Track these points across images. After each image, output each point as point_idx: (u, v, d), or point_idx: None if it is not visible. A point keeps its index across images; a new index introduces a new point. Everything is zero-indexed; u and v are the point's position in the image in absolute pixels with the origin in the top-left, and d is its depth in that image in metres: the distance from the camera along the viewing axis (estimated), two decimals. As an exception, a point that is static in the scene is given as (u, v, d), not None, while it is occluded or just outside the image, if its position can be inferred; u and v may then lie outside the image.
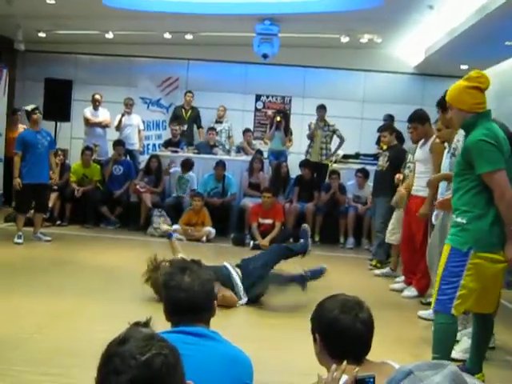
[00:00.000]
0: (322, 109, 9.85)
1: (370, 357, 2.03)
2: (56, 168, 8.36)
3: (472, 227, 3.41)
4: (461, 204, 3.50)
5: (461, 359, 4.03)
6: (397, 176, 6.69)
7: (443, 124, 5.00)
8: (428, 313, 5.03)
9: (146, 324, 1.29)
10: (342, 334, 2.00)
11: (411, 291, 6.06)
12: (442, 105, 4.55)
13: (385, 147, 7.89)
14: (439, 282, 3.50)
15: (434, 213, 5.17)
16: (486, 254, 3.39)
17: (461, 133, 4.24)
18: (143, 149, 11.05)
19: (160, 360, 1.20)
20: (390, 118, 10.05)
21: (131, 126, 10.45)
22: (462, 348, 4.14)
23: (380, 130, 8.46)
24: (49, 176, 7.89)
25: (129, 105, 10.43)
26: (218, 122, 11.14)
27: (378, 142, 10.03)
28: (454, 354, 4.01)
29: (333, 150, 9.99)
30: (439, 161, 5.25)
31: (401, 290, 6.24)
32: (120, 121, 10.26)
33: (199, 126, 11.22)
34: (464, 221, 3.44)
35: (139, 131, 10.69)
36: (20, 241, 7.49)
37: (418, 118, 6.05)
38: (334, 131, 9.87)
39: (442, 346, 3.57)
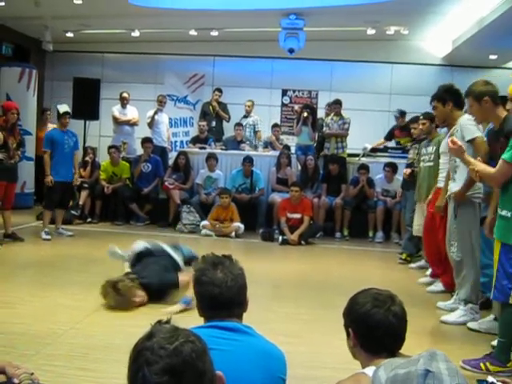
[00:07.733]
0: (337, 104, 9.74)
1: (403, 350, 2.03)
2: (78, 168, 8.67)
3: None
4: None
5: None
6: (404, 171, 6.57)
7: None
8: (444, 304, 5.15)
9: (168, 322, 1.34)
10: (375, 328, 2.00)
11: (437, 286, 5.93)
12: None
13: (416, 133, 7.52)
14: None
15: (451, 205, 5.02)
16: None
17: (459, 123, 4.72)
18: (171, 146, 11.14)
19: (189, 347, 1.24)
20: (401, 113, 9.64)
21: (163, 123, 10.55)
22: None
23: (415, 119, 7.50)
24: (73, 175, 8.12)
25: (163, 102, 10.52)
26: (245, 116, 11.02)
27: (392, 136, 9.85)
28: None
29: (349, 144, 9.79)
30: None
31: (428, 284, 6.13)
32: (153, 118, 10.33)
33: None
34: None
35: (167, 129, 10.79)
36: (48, 237, 7.70)
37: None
38: (344, 124, 9.65)
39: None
